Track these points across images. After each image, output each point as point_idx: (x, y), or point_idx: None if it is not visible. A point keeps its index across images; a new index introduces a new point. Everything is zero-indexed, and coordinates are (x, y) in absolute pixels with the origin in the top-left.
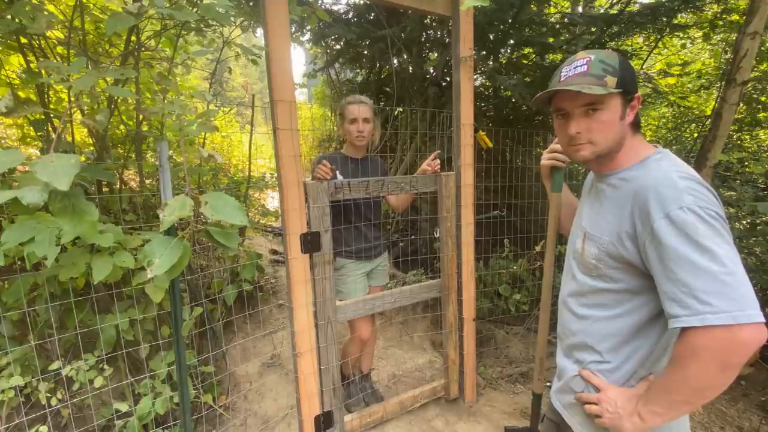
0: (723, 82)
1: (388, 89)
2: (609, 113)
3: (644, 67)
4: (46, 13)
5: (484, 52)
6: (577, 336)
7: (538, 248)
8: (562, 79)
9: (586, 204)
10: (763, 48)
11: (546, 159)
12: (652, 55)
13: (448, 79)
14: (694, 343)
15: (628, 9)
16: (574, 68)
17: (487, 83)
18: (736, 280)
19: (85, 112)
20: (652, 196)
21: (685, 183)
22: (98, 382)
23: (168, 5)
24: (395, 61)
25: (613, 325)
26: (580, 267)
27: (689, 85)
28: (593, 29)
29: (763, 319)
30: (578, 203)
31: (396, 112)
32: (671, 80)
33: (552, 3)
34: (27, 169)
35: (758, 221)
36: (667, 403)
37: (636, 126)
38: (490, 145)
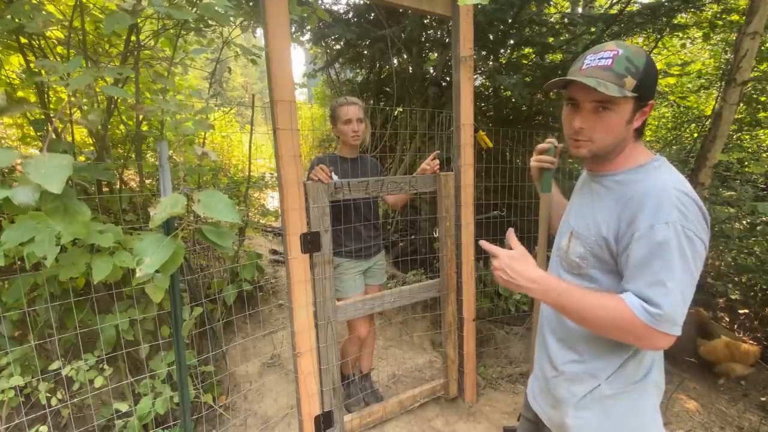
0: (723, 82)
1: (388, 89)
2: (618, 115)
3: None
4: (44, 12)
5: (484, 52)
6: (556, 334)
7: (546, 247)
8: (584, 67)
9: (575, 202)
10: (763, 48)
11: (534, 161)
12: (652, 55)
13: (448, 79)
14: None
15: (628, 9)
16: (599, 59)
17: (487, 83)
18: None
19: (85, 111)
20: (645, 206)
21: (678, 198)
22: (98, 382)
23: (167, 4)
24: (395, 61)
25: None
26: (563, 264)
27: (689, 85)
28: (593, 29)
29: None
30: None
31: (396, 112)
32: (671, 80)
33: (552, 3)
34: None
35: (758, 221)
36: (568, 307)
37: (641, 132)
38: (490, 145)
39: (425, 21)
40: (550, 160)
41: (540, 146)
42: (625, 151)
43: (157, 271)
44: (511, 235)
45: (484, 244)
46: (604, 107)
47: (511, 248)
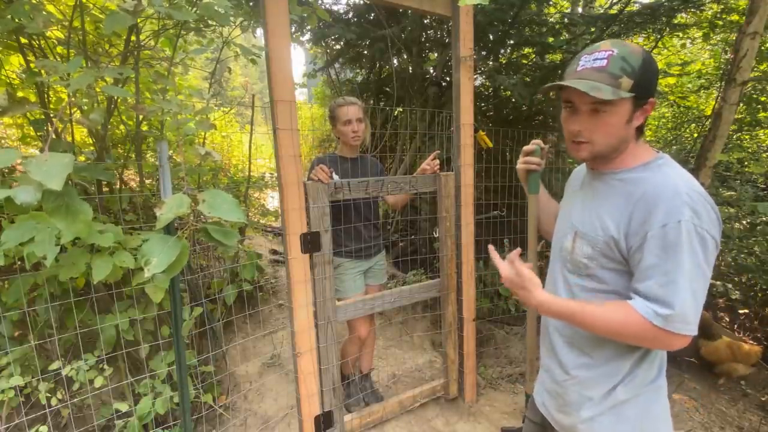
0: (723, 82)
1: (388, 89)
2: (616, 116)
3: None
4: (44, 12)
5: (484, 52)
6: (563, 336)
7: (538, 248)
8: (578, 68)
9: (577, 201)
10: (763, 48)
11: (521, 163)
12: (651, 54)
13: (448, 79)
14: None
15: (627, 9)
16: (593, 60)
17: (487, 83)
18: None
19: (85, 111)
20: (658, 205)
21: (689, 196)
22: (98, 382)
23: (166, 4)
24: (395, 61)
25: None
26: (567, 265)
27: (689, 85)
28: (593, 29)
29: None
30: (556, 205)
31: (396, 112)
32: (671, 80)
33: (552, 3)
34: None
35: (758, 221)
36: (580, 325)
37: (642, 131)
38: (490, 145)
39: (425, 21)
40: (536, 161)
41: (526, 148)
42: (628, 149)
43: (161, 272)
44: (515, 258)
45: (493, 253)
46: (601, 109)
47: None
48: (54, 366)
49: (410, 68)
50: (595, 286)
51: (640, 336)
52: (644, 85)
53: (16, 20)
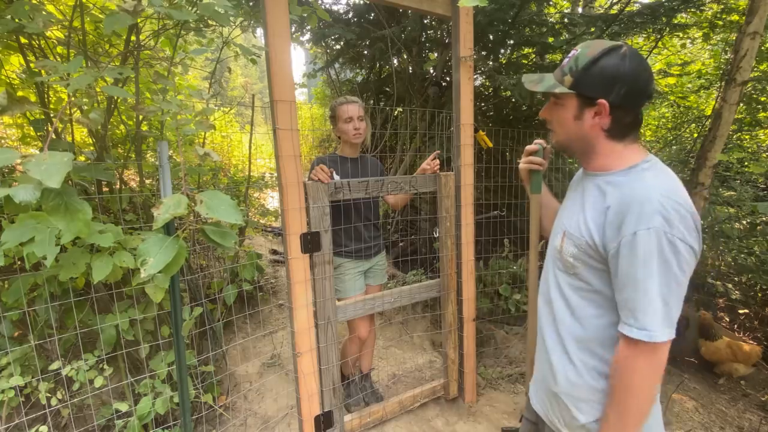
0: (723, 82)
1: (388, 89)
2: (564, 110)
3: None
4: (44, 12)
5: (484, 52)
6: (553, 337)
7: (539, 248)
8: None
9: (569, 201)
10: (763, 48)
11: (523, 163)
12: (652, 55)
13: (448, 79)
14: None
15: (627, 9)
16: (565, 59)
17: (487, 83)
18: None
19: (85, 111)
20: (630, 212)
21: (661, 203)
22: (98, 382)
23: (166, 4)
24: (395, 61)
25: (587, 325)
26: (558, 264)
27: (689, 85)
28: (593, 29)
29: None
30: (557, 204)
31: (396, 112)
32: (671, 80)
33: (552, 3)
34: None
35: (758, 221)
36: (625, 415)
37: (616, 133)
38: (490, 144)
39: (425, 21)
40: (539, 161)
41: (528, 147)
42: (603, 151)
43: (158, 272)
44: None
45: None
46: (554, 102)
47: None
48: (54, 366)
49: (410, 68)
50: (581, 285)
51: (654, 362)
52: (586, 83)
53: (16, 20)
